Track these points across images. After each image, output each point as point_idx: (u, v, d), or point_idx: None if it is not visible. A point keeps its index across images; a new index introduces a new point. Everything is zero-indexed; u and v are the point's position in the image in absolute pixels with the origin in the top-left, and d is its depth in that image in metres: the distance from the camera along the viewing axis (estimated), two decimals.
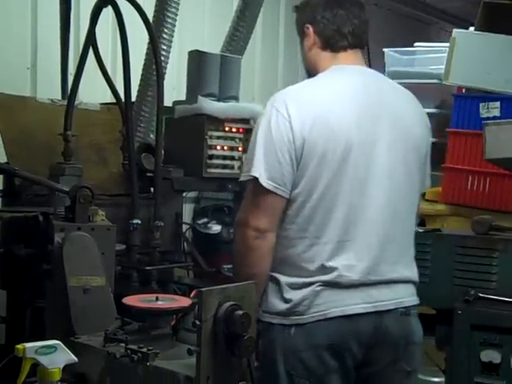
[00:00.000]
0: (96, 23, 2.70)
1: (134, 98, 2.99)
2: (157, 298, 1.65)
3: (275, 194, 1.95)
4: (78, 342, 1.56)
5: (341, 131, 1.95)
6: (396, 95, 2.12)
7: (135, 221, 2.56)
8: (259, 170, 1.94)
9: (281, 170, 1.94)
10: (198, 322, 1.35)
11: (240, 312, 1.38)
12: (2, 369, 1.84)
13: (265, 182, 1.93)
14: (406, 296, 2.05)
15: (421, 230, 2.64)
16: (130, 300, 1.63)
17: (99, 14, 2.69)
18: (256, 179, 1.94)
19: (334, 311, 1.95)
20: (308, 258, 1.97)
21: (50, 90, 3.62)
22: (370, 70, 2.15)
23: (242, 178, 2.02)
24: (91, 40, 2.72)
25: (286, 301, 1.97)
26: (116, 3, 2.62)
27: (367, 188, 1.98)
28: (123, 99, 2.66)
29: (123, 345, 1.50)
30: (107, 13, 2.72)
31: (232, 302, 1.40)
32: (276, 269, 2.02)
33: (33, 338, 1.93)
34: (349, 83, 2.04)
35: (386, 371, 2.03)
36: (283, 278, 1.99)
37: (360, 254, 1.98)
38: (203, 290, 1.37)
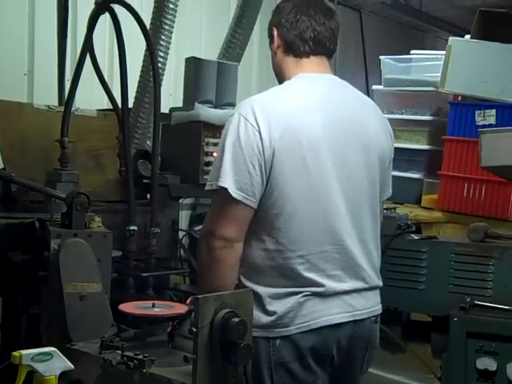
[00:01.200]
0: (93, 30, 2.70)
1: (130, 105, 3.00)
2: (153, 305, 1.65)
3: (244, 204, 1.90)
4: (74, 348, 1.55)
5: (309, 141, 1.94)
6: (360, 104, 2.13)
7: (132, 227, 2.55)
8: (228, 180, 1.89)
9: (250, 180, 1.90)
10: (194, 329, 1.35)
11: (236, 319, 1.38)
12: None
13: (234, 192, 1.89)
14: (376, 305, 2.10)
15: (416, 237, 2.65)
16: (126, 307, 1.63)
17: (96, 21, 2.69)
18: (224, 189, 1.89)
19: (319, 321, 1.95)
20: (288, 269, 1.95)
21: (46, 96, 3.63)
22: (335, 78, 2.12)
23: (207, 187, 1.96)
24: (88, 46, 2.72)
25: (270, 313, 1.93)
26: (113, 10, 2.63)
27: (335, 197, 1.99)
28: (120, 106, 2.66)
29: (119, 352, 1.50)
30: (105, 19, 2.73)
31: (228, 310, 1.40)
32: (252, 279, 1.97)
33: (28, 344, 1.93)
34: (314, 93, 2.03)
35: (354, 375, 2.10)
36: (263, 289, 1.95)
37: (337, 263, 1.99)
38: (199, 297, 1.37)
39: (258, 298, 1.94)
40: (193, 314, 1.38)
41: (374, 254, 2.10)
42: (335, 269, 1.99)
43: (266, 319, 1.94)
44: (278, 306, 1.94)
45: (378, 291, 2.13)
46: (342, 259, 2.00)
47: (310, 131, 1.95)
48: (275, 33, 2.10)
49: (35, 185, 2.20)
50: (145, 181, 2.83)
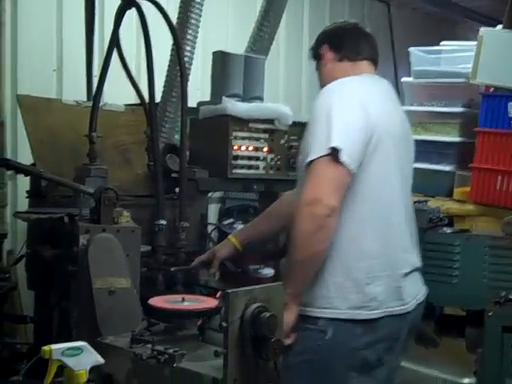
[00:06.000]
0: (120, 25, 2.69)
1: (158, 99, 2.99)
2: (183, 299, 1.64)
3: (349, 170, 1.95)
4: (104, 342, 1.55)
5: (387, 129, 2.07)
6: (397, 100, 2.33)
7: (161, 221, 2.54)
8: (340, 143, 1.93)
9: (358, 147, 1.98)
10: (224, 324, 1.34)
11: (267, 314, 1.36)
12: (31, 368, 1.84)
13: (345, 156, 1.92)
14: (423, 288, 2.20)
15: (449, 231, 2.61)
16: (156, 301, 1.62)
17: (123, 16, 2.68)
18: (336, 152, 1.92)
19: (398, 309, 2.02)
20: (384, 248, 2.02)
21: (75, 91, 3.63)
22: (382, 79, 2.29)
23: (314, 156, 1.95)
24: (115, 41, 2.71)
25: (364, 294, 1.98)
26: (139, 5, 2.61)
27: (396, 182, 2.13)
28: (147, 100, 2.65)
29: (150, 346, 1.49)
30: (132, 14, 2.72)
31: (258, 304, 1.38)
32: (346, 261, 1.99)
33: (60, 338, 1.95)
34: (379, 88, 2.22)
35: (400, 355, 2.16)
36: (358, 273, 1.99)
37: (406, 242, 2.11)
38: (229, 291, 1.35)
39: (354, 280, 1.98)
40: (223, 308, 1.36)
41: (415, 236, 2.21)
42: (407, 249, 2.10)
43: (355, 301, 1.97)
44: (373, 288, 1.98)
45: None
46: (407, 238, 2.12)
47: (388, 120, 2.09)
48: (326, 47, 2.29)
49: (64, 180, 2.19)
50: (173, 175, 2.81)
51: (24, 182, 2.78)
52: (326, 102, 2.03)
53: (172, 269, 2.47)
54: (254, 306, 1.36)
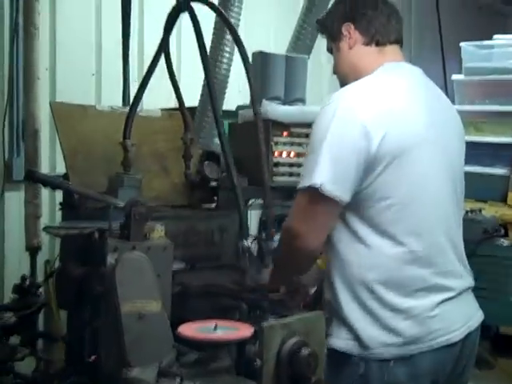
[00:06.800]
0: (172, 29, 2.54)
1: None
2: (215, 327, 1.51)
3: (336, 202, 1.81)
4: (129, 378, 1.43)
5: (413, 135, 1.86)
6: (440, 93, 2.07)
7: (245, 243, 2.12)
8: (323, 176, 1.80)
9: (348, 176, 1.81)
10: (258, 362, 1.20)
11: (306, 351, 1.23)
12: None
13: (327, 190, 1.80)
14: (478, 310, 2.01)
15: (506, 243, 2.43)
16: (187, 329, 1.50)
17: (176, 20, 2.53)
18: (316, 188, 1.80)
19: (440, 341, 1.82)
20: (407, 272, 1.83)
21: (113, 96, 3.56)
22: (416, 67, 2.05)
23: (301, 185, 1.88)
24: (164, 46, 2.56)
25: (394, 332, 1.79)
26: (192, 8, 2.43)
27: (443, 188, 1.95)
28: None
29: (178, 381, 1.37)
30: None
31: (297, 339, 1.24)
32: (366, 282, 1.84)
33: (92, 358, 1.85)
34: (413, 81, 1.96)
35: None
36: (384, 300, 1.82)
37: (448, 258, 1.92)
38: (264, 324, 1.22)
39: (376, 310, 1.81)
40: (257, 343, 1.23)
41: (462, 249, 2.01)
42: (446, 264, 1.89)
43: (384, 338, 1.79)
44: (404, 325, 1.79)
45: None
46: (452, 252, 1.91)
47: (414, 125, 1.86)
48: (351, 27, 1.99)
49: (91, 193, 2.08)
50: (212, 184, 2.69)
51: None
52: (323, 124, 1.84)
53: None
54: (292, 340, 1.23)
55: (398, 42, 2.02)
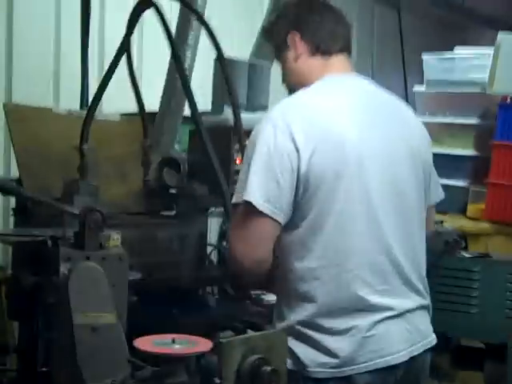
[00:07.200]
0: (134, 28, 2.45)
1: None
2: (173, 341, 1.45)
3: (272, 219, 1.76)
4: None
5: (352, 151, 1.78)
6: (396, 106, 1.99)
7: None
8: (254, 193, 1.75)
9: (279, 192, 1.75)
10: (217, 381, 1.15)
11: (268, 368, 1.18)
12: None
13: (261, 205, 1.75)
14: (430, 332, 1.93)
15: (467, 256, 2.42)
16: (143, 343, 1.44)
17: (138, 19, 2.44)
18: (249, 203, 1.76)
19: (377, 361, 1.74)
20: (343, 290, 1.76)
21: (72, 99, 3.47)
22: (366, 79, 1.99)
23: (235, 200, 1.83)
24: (126, 47, 2.47)
25: (329, 353, 1.74)
26: (157, 5, 2.35)
27: (381, 207, 1.84)
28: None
29: None
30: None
31: (258, 356, 1.19)
32: (298, 309, 1.79)
33: (45, 368, 1.78)
34: (352, 95, 1.88)
35: None
36: (318, 321, 1.77)
37: (387, 277, 1.82)
38: (222, 341, 1.16)
39: (309, 334, 1.76)
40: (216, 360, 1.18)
41: (422, 268, 1.92)
42: (384, 283, 1.80)
43: (322, 359, 1.74)
44: (340, 345, 1.73)
45: (427, 312, 1.93)
46: (392, 272, 1.82)
47: (352, 139, 1.78)
48: (297, 37, 1.92)
49: (45, 199, 2.00)
50: (171, 191, 2.63)
51: None
52: (253, 137, 1.81)
53: None
54: (253, 357, 1.18)
55: (345, 50, 1.97)
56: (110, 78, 2.46)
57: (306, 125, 1.75)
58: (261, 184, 1.73)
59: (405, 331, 1.83)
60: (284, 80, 2.05)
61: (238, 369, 1.17)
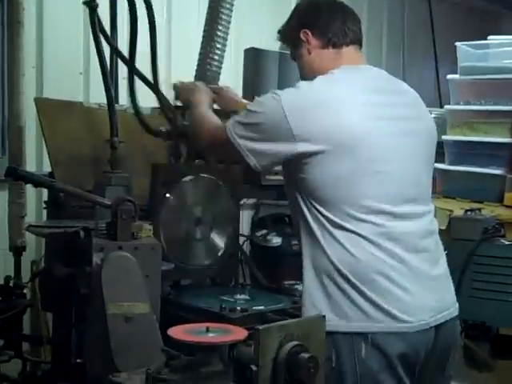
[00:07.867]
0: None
1: None
2: (207, 329, 1.43)
3: None
4: (115, 382, 1.34)
5: (362, 138, 1.85)
6: (405, 95, 2.06)
7: None
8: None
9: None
10: (254, 368, 1.12)
11: (305, 355, 1.14)
12: None
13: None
14: (453, 298, 1.95)
15: (507, 243, 2.35)
16: (176, 332, 1.41)
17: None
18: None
19: (410, 325, 1.78)
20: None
21: (102, 95, 3.47)
22: (373, 68, 2.05)
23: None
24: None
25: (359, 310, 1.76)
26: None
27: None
28: None
29: None
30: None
31: (295, 342, 1.16)
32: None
33: (79, 360, 1.78)
34: (363, 86, 1.94)
35: (438, 379, 1.94)
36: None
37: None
38: (260, 328, 1.13)
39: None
40: (252, 347, 1.15)
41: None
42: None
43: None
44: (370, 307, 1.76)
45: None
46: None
47: (362, 127, 1.84)
48: (309, 34, 2.04)
49: (77, 190, 1.99)
50: None
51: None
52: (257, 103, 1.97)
53: None
54: (290, 344, 1.15)
55: (356, 42, 2.05)
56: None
57: (309, 114, 1.85)
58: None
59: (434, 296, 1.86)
60: (301, 76, 2.13)
61: (275, 356, 1.14)
